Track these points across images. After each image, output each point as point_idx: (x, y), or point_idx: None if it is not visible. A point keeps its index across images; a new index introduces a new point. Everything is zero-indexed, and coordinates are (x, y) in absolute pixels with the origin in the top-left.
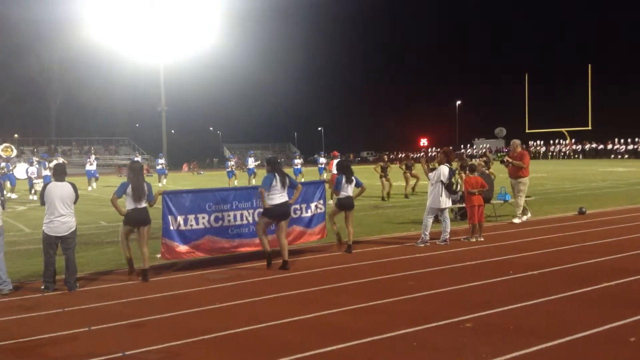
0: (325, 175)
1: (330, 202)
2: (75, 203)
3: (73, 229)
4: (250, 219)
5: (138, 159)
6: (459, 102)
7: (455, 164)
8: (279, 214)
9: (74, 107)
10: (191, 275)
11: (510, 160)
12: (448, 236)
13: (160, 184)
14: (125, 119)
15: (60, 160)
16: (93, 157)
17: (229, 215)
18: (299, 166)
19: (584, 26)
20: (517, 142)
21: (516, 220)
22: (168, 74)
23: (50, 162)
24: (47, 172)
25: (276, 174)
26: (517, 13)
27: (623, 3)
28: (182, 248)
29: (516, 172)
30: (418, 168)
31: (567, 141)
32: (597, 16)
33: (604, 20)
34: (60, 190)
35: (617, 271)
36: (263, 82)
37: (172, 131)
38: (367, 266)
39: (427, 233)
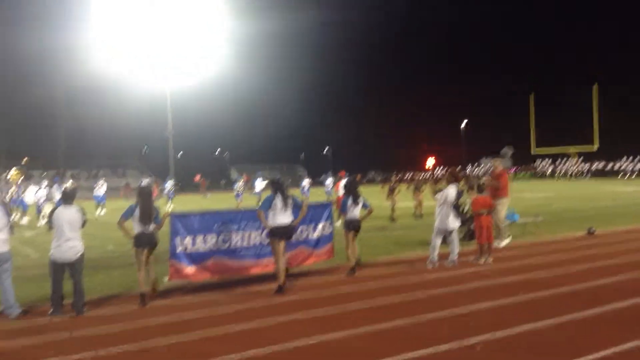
0: (332, 196)
1: (337, 223)
2: (82, 227)
3: (80, 253)
4: (258, 240)
5: (147, 180)
6: (465, 121)
7: (462, 185)
8: (280, 234)
9: (82, 132)
10: (199, 298)
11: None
12: (456, 257)
13: (168, 207)
14: (132, 144)
15: (72, 183)
16: (101, 181)
17: (236, 236)
18: (306, 187)
19: (588, 46)
20: (498, 160)
21: (496, 244)
22: (175, 98)
23: (63, 184)
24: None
25: (278, 194)
26: (523, 33)
27: (629, 22)
28: (190, 269)
29: (494, 192)
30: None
31: (575, 160)
32: (602, 36)
33: (609, 40)
34: (69, 214)
35: (628, 292)
36: (270, 103)
37: (179, 155)
38: (375, 288)
39: (436, 254)
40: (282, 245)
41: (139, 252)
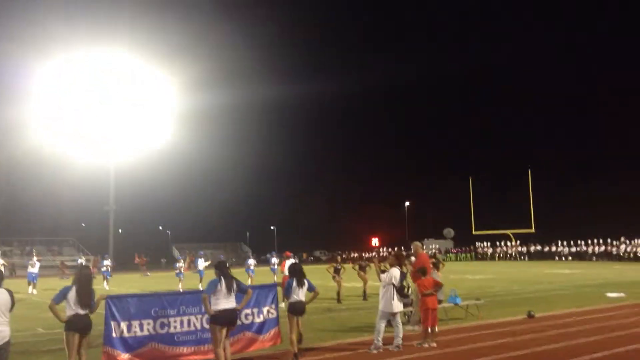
0: (276, 277)
1: (282, 304)
2: (11, 311)
3: (6, 339)
4: (198, 325)
5: (83, 260)
6: (407, 204)
7: (405, 267)
8: (224, 320)
9: (17, 206)
10: None
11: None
12: (401, 342)
13: (106, 287)
14: (70, 219)
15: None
16: (35, 259)
17: (175, 321)
18: (252, 266)
19: (522, 131)
20: (417, 244)
21: (409, 327)
22: (117, 173)
23: None
24: None
25: (222, 278)
26: (462, 116)
27: (555, 108)
28: (125, 357)
29: (414, 276)
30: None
31: (513, 243)
32: (536, 121)
33: (543, 125)
34: None
35: None
36: (214, 181)
37: (120, 230)
38: None
39: (380, 339)
40: (223, 331)
41: (69, 335)
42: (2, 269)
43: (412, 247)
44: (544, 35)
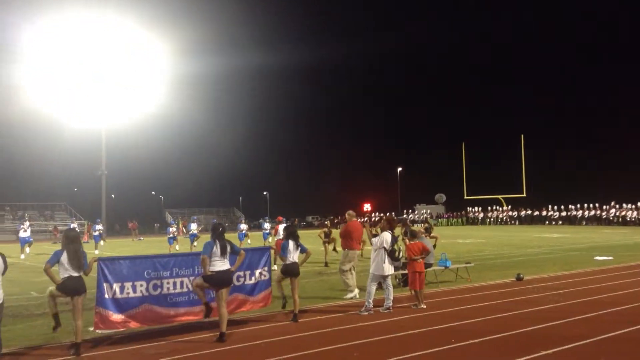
0: (270, 240)
1: (274, 267)
2: (3, 275)
3: (0, 302)
4: (190, 286)
5: (74, 225)
6: (400, 169)
7: (398, 230)
8: (218, 281)
9: (9, 171)
10: (125, 349)
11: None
12: (391, 304)
13: (96, 251)
14: (63, 183)
15: None
16: (27, 223)
17: (168, 283)
18: (244, 231)
19: (517, 96)
20: (350, 212)
21: (347, 296)
22: (110, 138)
23: None
24: None
25: (216, 240)
26: (456, 81)
27: (552, 72)
28: (117, 317)
29: (344, 243)
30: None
31: (504, 207)
32: (530, 86)
33: (537, 90)
34: None
35: (555, 338)
36: (206, 146)
37: (112, 196)
38: (311, 337)
39: (371, 301)
40: (223, 292)
41: (56, 293)
42: None
43: (345, 215)
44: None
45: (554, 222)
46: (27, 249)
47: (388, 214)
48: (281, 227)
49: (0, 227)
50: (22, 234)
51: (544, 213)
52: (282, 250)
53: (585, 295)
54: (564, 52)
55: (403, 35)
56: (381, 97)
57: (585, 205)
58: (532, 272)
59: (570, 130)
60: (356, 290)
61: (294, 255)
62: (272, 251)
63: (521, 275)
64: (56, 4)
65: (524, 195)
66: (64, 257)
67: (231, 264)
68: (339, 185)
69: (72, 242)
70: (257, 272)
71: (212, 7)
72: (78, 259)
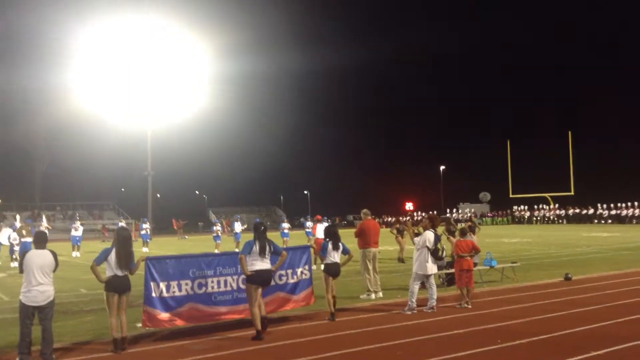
0: (311, 238)
1: (314, 267)
2: (54, 271)
3: (51, 298)
4: (234, 285)
5: (123, 224)
6: (443, 167)
7: (440, 229)
8: (259, 280)
9: (59, 172)
10: (171, 345)
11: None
12: (435, 303)
13: (144, 249)
14: (110, 184)
15: (43, 227)
16: (78, 222)
17: (212, 282)
18: (286, 230)
19: (564, 93)
20: (365, 211)
21: (362, 296)
22: (155, 139)
23: (36, 227)
24: (27, 239)
25: (257, 240)
26: (499, 78)
27: (599, 68)
28: (164, 316)
29: (359, 243)
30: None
31: (551, 206)
32: (576, 83)
33: (583, 86)
34: (41, 258)
35: (606, 339)
36: (248, 146)
37: (158, 195)
38: (353, 335)
39: (414, 300)
40: (258, 291)
41: (109, 296)
42: (47, 232)
43: (361, 214)
44: None
45: (602, 221)
46: (78, 252)
47: (430, 212)
48: (319, 226)
49: (52, 226)
50: (73, 233)
51: (592, 212)
52: (322, 250)
53: (635, 295)
54: (609, 51)
55: (453, 35)
56: (424, 95)
57: (636, 203)
58: (580, 272)
59: (618, 126)
60: (377, 294)
61: (334, 255)
62: (312, 250)
63: (570, 275)
64: (105, 8)
65: (572, 193)
66: (112, 256)
67: (272, 263)
68: (381, 184)
69: (123, 241)
70: (298, 271)
71: (254, 8)
72: (126, 260)
